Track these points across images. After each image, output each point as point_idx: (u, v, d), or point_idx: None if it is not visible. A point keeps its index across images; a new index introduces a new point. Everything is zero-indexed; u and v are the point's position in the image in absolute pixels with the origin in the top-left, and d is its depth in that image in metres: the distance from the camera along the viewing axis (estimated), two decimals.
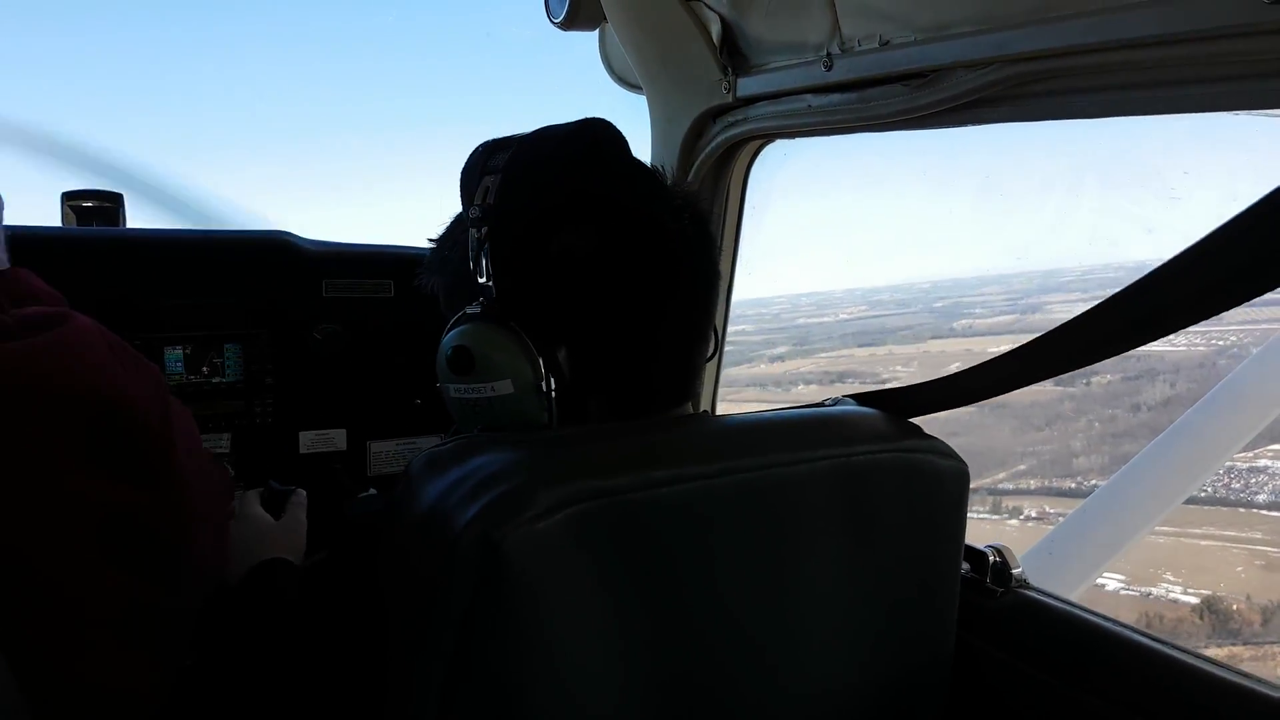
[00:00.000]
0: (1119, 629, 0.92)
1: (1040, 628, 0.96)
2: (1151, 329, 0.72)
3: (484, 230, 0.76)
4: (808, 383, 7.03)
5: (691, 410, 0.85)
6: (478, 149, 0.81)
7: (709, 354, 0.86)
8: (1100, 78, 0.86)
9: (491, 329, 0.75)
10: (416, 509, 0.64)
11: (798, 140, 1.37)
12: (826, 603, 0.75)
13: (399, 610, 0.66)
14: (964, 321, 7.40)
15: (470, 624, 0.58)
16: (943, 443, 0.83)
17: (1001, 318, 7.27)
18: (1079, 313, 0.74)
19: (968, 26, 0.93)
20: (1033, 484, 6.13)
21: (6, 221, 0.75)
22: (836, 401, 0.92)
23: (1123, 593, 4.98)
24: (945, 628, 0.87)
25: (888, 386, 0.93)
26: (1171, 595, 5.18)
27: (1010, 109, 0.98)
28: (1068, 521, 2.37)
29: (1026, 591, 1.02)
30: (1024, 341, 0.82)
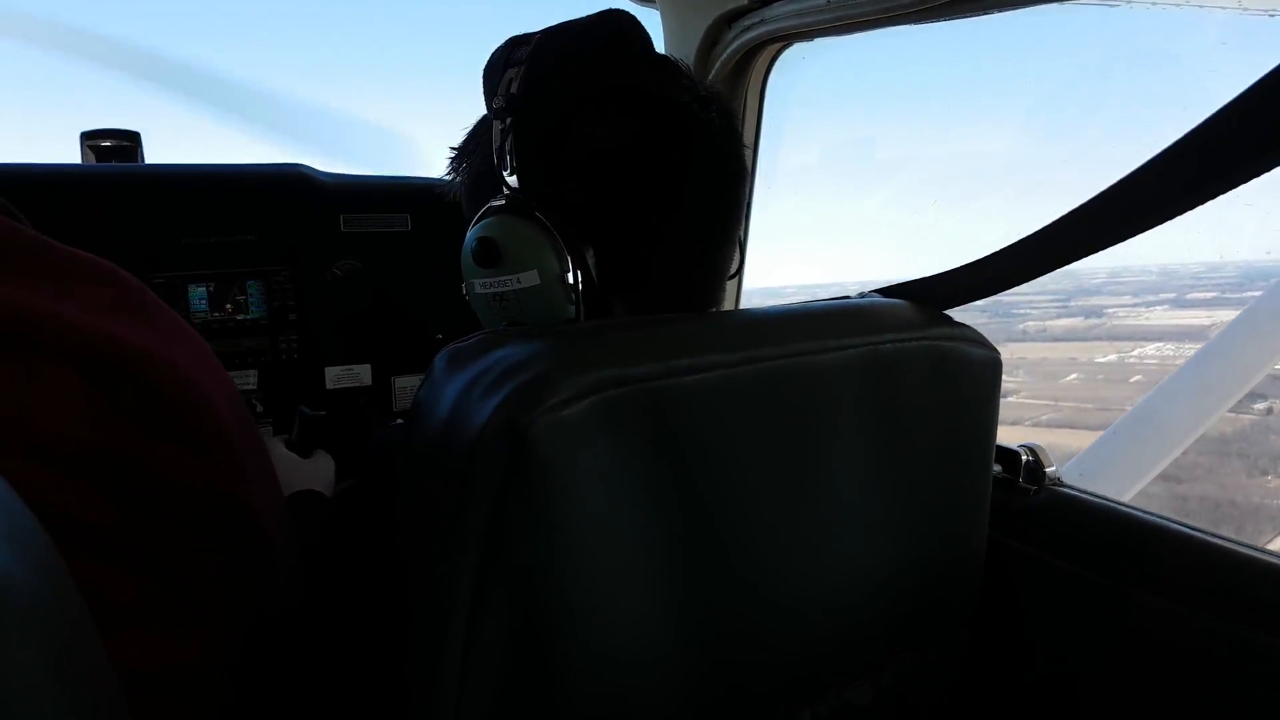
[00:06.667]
0: (1158, 520, 0.89)
1: (1076, 523, 0.95)
2: (1159, 212, 0.69)
3: (508, 122, 0.73)
4: None
5: None
6: (500, 45, 0.79)
7: (734, 267, 0.84)
8: None
9: (517, 220, 0.73)
10: (441, 403, 0.64)
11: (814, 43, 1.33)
12: (854, 493, 0.73)
13: (427, 510, 0.65)
14: (1029, 324, 6.80)
15: (500, 513, 0.58)
16: (974, 330, 0.81)
17: (1063, 320, 6.84)
18: (1093, 196, 0.71)
19: None
20: None
21: (24, 160, 0.68)
22: (863, 295, 0.90)
23: None
24: (977, 520, 0.86)
25: (915, 278, 0.90)
26: None
27: None
28: (1102, 439, 2.34)
29: (1061, 489, 1.00)
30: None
